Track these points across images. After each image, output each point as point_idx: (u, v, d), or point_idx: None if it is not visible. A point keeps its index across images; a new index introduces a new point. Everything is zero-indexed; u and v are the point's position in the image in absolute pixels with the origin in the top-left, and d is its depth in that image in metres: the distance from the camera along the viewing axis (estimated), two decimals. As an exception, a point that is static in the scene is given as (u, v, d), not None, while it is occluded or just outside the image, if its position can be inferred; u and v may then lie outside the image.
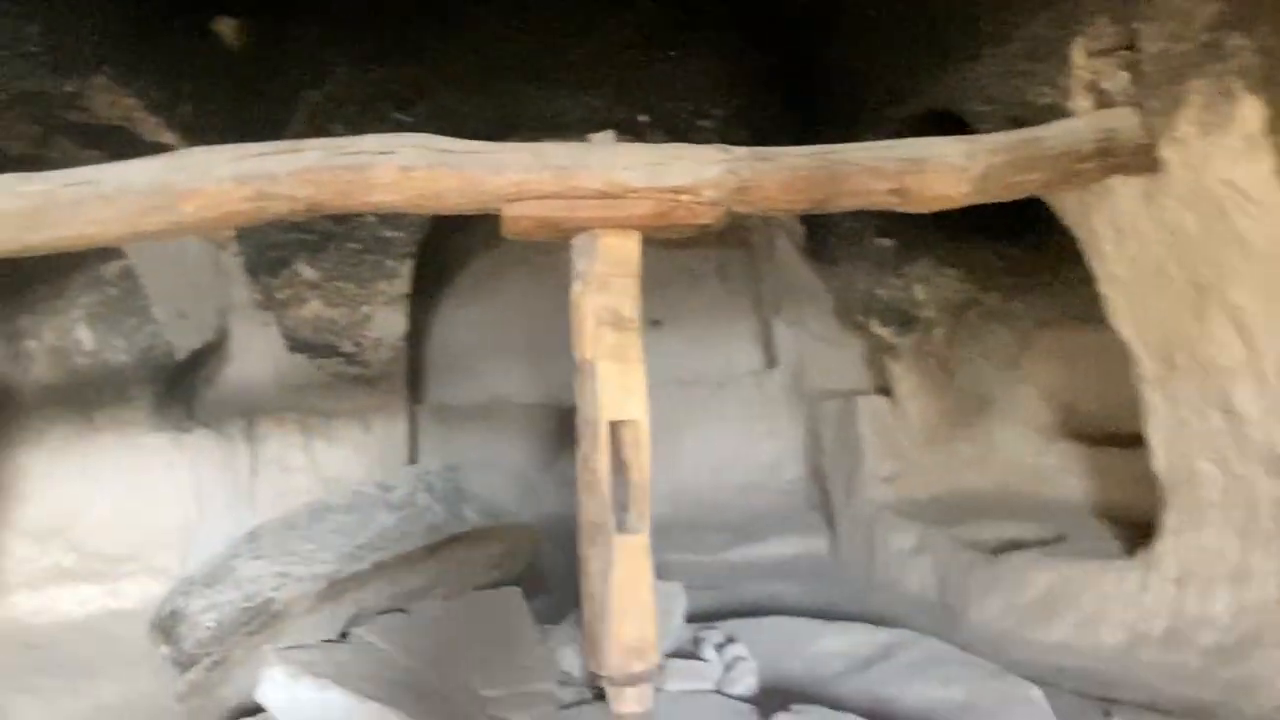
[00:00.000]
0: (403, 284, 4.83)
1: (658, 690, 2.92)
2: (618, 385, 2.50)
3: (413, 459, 5.17)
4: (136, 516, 4.22)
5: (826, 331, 5.61)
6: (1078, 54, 2.95)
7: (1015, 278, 4.86)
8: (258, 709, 2.84)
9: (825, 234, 5.13)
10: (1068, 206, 3.27)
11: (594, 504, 2.53)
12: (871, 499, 5.00)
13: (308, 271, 4.69)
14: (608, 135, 2.60)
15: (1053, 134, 2.81)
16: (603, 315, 2.50)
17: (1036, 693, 2.89)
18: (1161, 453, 3.32)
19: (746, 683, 3.03)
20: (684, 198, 2.51)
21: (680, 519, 5.67)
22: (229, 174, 2.31)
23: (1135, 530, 3.60)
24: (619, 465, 2.54)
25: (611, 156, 2.50)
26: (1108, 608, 3.45)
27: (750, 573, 4.93)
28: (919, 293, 4.87)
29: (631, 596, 2.47)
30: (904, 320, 4.91)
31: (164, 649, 2.94)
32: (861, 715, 2.65)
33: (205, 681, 2.87)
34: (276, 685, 2.79)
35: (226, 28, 4.15)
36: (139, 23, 3.45)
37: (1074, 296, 4.25)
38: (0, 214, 2.25)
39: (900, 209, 2.73)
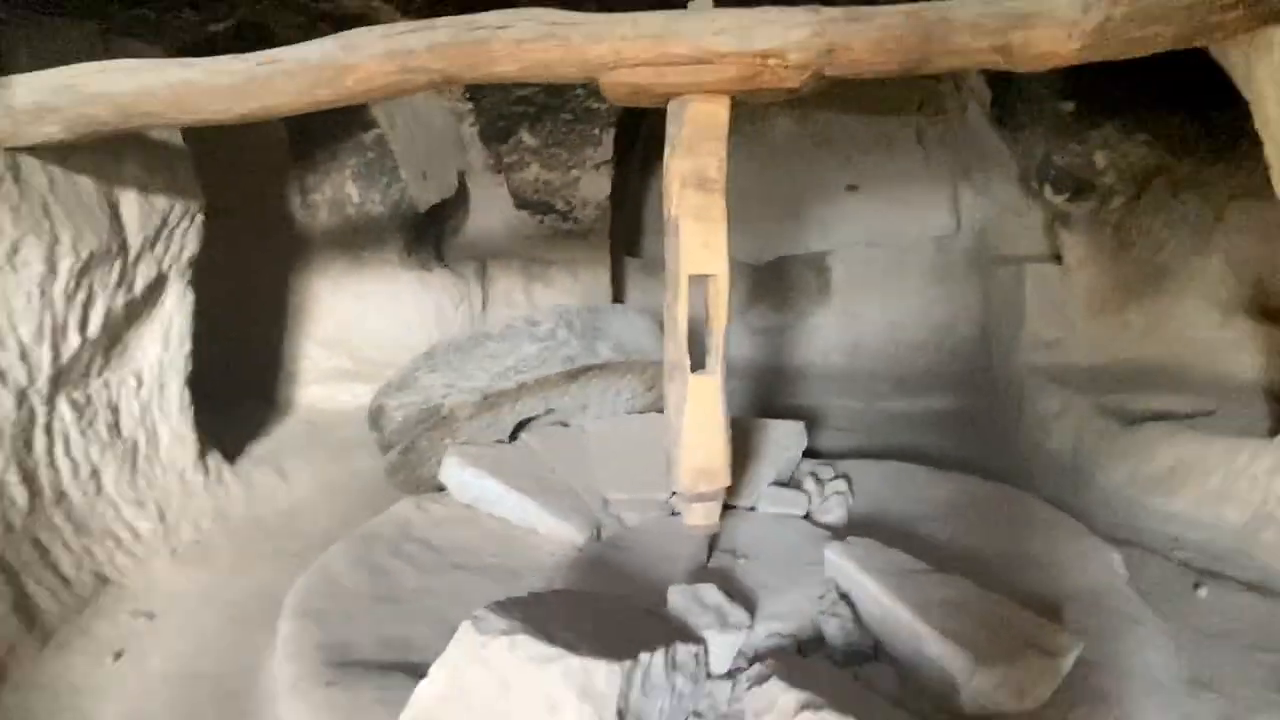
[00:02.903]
0: (606, 151, 4.83)
1: (750, 510, 3.04)
2: (700, 242, 2.39)
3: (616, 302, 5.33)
4: (394, 334, 4.55)
5: (1009, 198, 5.10)
6: (1252, -115, 2.30)
7: (1212, 144, 4.14)
8: (442, 486, 3.17)
9: (1010, 98, 4.60)
10: (1232, 62, 2.65)
11: (673, 347, 2.50)
12: (1028, 363, 4.68)
13: (529, 139, 4.82)
14: (704, 2, 2.38)
15: (1190, -21, 2.23)
16: (688, 177, 2.37)
17: (1116, 557, 2.67)
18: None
19: (836, 514, 3.02)
20: (770, 61, 2.27)
21: (854, 370, 5.65)
22: (380, 52, 2.34)
23: (1294, 411, 3.08)
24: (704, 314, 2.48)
25: (702, 23, 2.28)
26: (1235, 485, 3.06)
27: (906, 423, 4.81)
28: (1099, 159, 4.27)
29: (702, 427, 2.44)
30: (1081, 188, 4.35)
31: (374, 435, 3.27)
32: (936, 556, 2.47)
33: (402, 463, 3.18)
34: (451, 471, 3.12)
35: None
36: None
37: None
38: (216, 88, 2.43)
39: (1003, 68, 2.33)
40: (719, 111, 2.36)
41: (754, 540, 2.76)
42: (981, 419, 4.67)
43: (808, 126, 6.09)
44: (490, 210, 5.07)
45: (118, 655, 2.47)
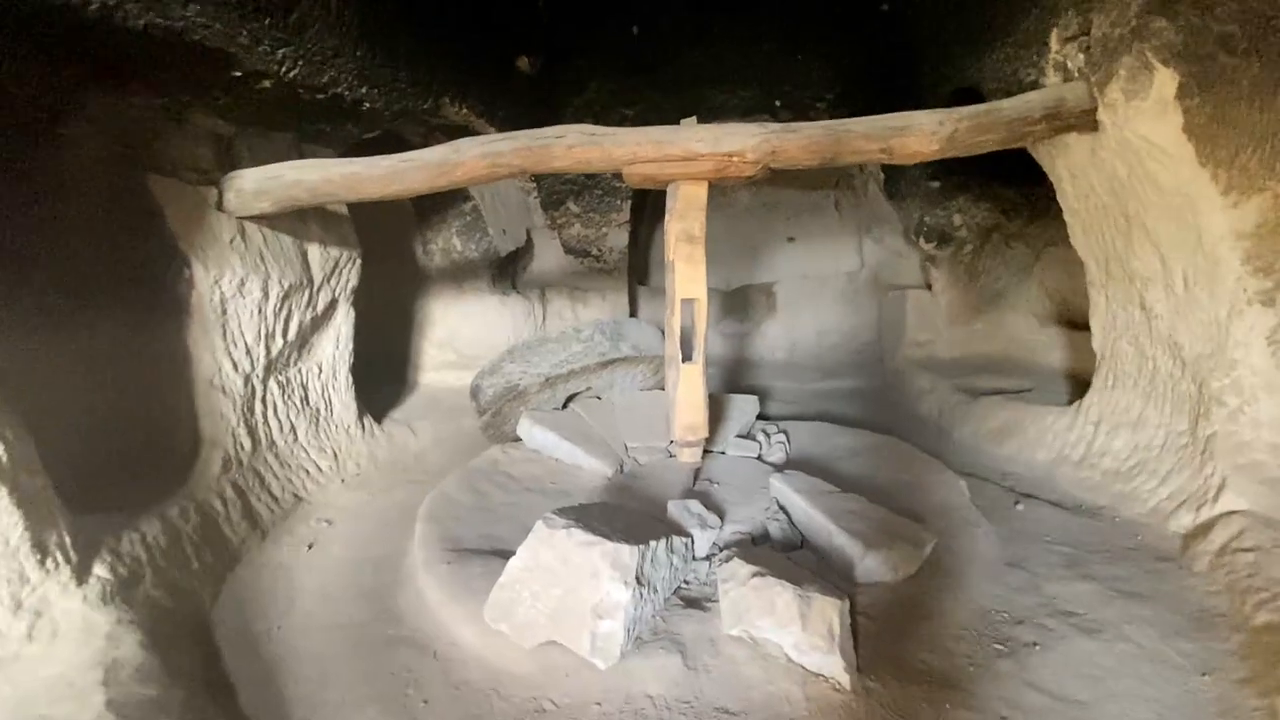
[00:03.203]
0: (624, 215, 4.80)
1: (721, 454, 3.04)
2: (688, 277, 2.46)
3: (632, 316, 5.29)
4: (484, 337, 4.55)
5: (896, 246, 5.08)
6: (1054, 41, 2.37)
7: (1033, 209, 4.13)
8: (518, 438, 3.19)
9: (897, 179, 4.55)
10: (1042, 157, 2.73)
11: (671, 345, 2.57)
12: (908, 356, 4.65)
13: (574, 207, 4.80)
14: (691, 120, 2.46)
15: (1009, 105, 2.30)
16: (680, 234, 2.44)
17: (961, 483, 2.72)
18: (1098, 334, 2.84)
19: (777, 455, 3.03)
20: (734, 159, 2.35)
21: (792, 362, 5.61)
22: (477, 153, 2.43)
23: (1084, 388, 3.10)
24: (690, 324, 2.53)
25: (690, 134, 2.37)
26: (1044, 437, 3.09)
27: (826, 396, 4.73)
28: (956, 220, 4.26)
29: (689, 399, 2.51)
30: (943, 239, 4.32)
31: (473, 404, 3.29)
32: (839, 482, 2.52)
33: (491, 422, 3.22)
34: (524, 427, 3.14)
35: (523, 63, 4.22)
36: (468, 65, 3.55)
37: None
38: (373, 176, 2.50)
39: (888, 162, 2.39)
40: (701, 192, 2.43)
41: (724, 472, 2.80)
42: (877, 394, 4.68)
43: (761, 197, 6.04)
44: (548, 255, 5.05)
45: (310, 546, 2.54)
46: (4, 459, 1.58)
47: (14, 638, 1.57)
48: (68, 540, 1.72)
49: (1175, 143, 1.96)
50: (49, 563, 1.66)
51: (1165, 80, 1.91)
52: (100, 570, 1.78)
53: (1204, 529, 2.12)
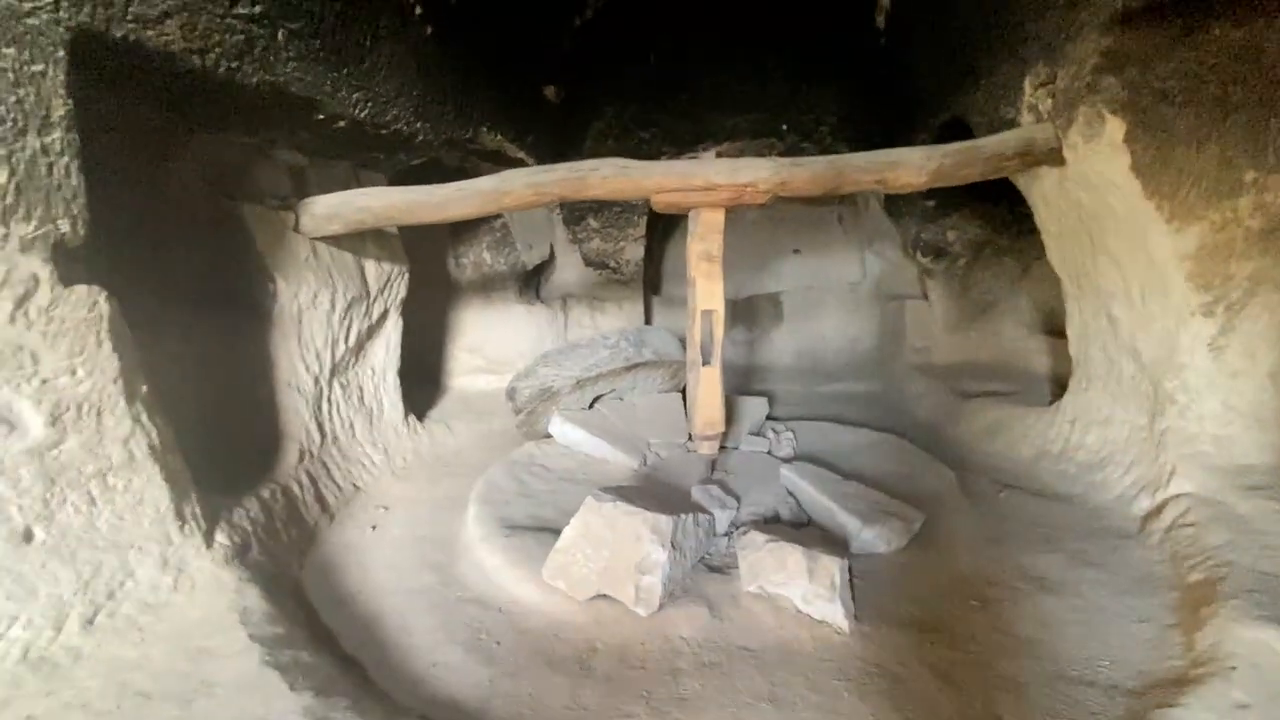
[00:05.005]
0: (641, 231, 5.03)
1: (735, 449, 3.30)
2: (707, 291, 2.76)
3: (647, 324, 5.50)
4: (511, 344, 4.83)
5: (895, 259, 5.34)
6: (1027, 86, 2.72)
7: (1021, 226, 4.39)
8: (550, 435, 3.44)
9: (896, 197, 4.83)
10: (1021, 185, 3.06)
11: (692, 351, 2.87)
12: (906, 362, 4.91)
13: (593, 223, 5.04)
14: (710, 154, 2.81)
15: (987, 143, 2.64)
16: (701, 254, 2.75)
17: (950, 474, 3.00)
18: (1073, 342, 3.16)
19: (785, 451, 3.28)
20: (748, 188, 2.66)
21: (798, 366, 5.82)
22: (523, 183, 2.73)
23: (1064, 390, 3.40)
24: (709, 332, 2.85)
25: (710, 167, 2.68)
26: (1027, 435, 3.39)
27: (831, 399, 4.96)
28: (950, 235, 4.56)
29: (707, 398, 2.80)
30: (938, 253, 4.63)
31: (509, 404, 3.57)
32: (842, 473, 2.81)
33: (527, 421, 3.49)
34: (555, 424, 3.39)
35: (549, 92, 4.57)
36: (502, 97, 3.87)
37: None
38: (431, 203, 2.80)
39: (883, 192, 2.73)
40: (719, 217, 2.75)
41: (738, 465, 3.06)
42: (878, 397, 4.88)
43: (768, 212, 6.18)
44: (569, 267, 5.27)
45: (373, 527, 2.81)
46: (157, 442, 1.93)
47: (163, 588, 1.92)
48: (199, 511, 2.07)
49: (1125, 179, 2.30)
50: (186, 529, 2.02)
51: (1115, 127, 2.25)
52: (221, 537, 2.14)
53: (1157, 510, 2.44)
